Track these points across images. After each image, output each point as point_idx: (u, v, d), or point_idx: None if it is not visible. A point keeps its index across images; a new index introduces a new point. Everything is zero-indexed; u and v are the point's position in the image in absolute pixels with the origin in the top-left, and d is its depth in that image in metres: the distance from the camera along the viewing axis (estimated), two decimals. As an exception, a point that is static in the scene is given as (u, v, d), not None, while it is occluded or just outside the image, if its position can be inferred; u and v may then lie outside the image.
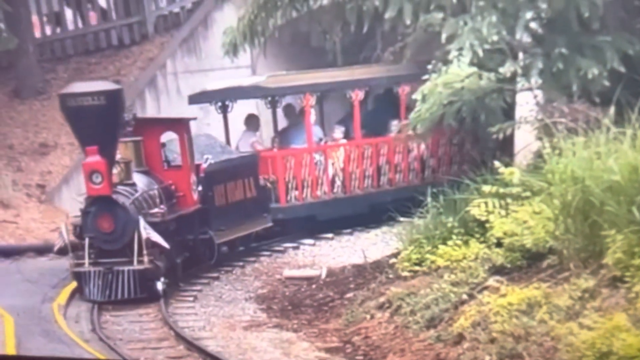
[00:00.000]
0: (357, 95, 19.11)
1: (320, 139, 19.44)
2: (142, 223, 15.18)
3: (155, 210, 15.61)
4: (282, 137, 19.62)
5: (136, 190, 15.71)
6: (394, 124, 19.68)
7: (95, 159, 15.16)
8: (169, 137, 17.16)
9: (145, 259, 15.11)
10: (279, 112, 20.08)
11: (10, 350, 12.53)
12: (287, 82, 19.07)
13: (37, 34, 23.99)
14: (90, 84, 16.36)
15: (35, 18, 24.18)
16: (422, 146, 19.88)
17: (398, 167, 19.75)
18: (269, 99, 19.48)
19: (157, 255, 15.23)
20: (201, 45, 23.37)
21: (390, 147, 19.60)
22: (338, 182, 19.12)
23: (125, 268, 15.20)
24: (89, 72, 23.44)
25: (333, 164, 19.17)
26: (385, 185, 19.60)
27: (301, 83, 18.91)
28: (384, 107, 20.25)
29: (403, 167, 19.81)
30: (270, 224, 18.01)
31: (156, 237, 15.17)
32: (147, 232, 15.11)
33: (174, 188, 16.36)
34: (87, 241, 15.37)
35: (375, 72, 19.70)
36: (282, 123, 20.24)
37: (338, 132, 19.59)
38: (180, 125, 16.73)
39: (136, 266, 15.14)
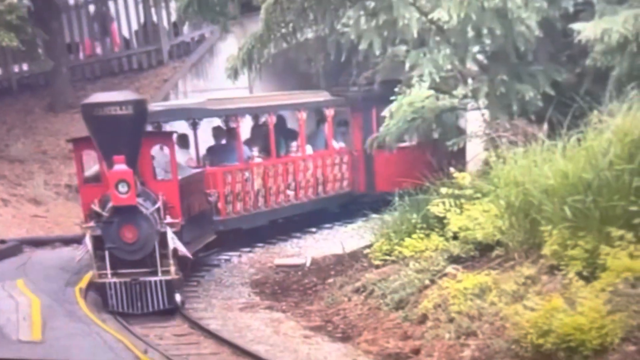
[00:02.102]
0: (272, 119, 18.06)
1: (249, 157, 17.83)
2: (169, 233, 13.27)
3: (172, 220, 13.59)
4: (211, 156, 17.62)
5: (148, 202, 13.62)
6: (293, 145, 18.71)
7: (122, 168, 13.21)
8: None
9: (172, 269, 13.27)
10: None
11: (37, 328, 12.11)
12: (220, 105, 17.58)
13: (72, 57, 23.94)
14: (115, 94, 14.25)
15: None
16: (315, 164, 18.88)
17: (301, 183, 18.58)
18: (191, 120, 17.52)
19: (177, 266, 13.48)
20: (207, 70, 23.23)
21: (296, 165, 18.45)
22: (260, 197, 17.65)
23: (152, 279, 13.23)
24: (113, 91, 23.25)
25: (256, 179, 17.68)
26: (292, 200, 18.36)
27: (227, 107, 17.51)
28: (277, 130, 18.57)
29: (304, 184, 18.65)
30: (215, 236, 16.17)
31: (182, 248, 13.44)
32: (174, 242, 13.33)
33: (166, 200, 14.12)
34: (107, 252, 13.28)
35: (287, 99, 18.72)
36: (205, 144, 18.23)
37: (255, 151, 17.96)
38: (170, 138, 14.91)
39: (163, 277, 13.25)
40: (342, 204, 19.32)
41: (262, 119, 18.55)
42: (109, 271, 13.31)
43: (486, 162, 13.57)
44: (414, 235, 13.54)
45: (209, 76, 22.96)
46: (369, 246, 14.64)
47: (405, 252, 13.43)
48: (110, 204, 13.51)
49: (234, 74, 17.97)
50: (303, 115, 18.63)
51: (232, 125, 17.67)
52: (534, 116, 13.47)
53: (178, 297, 13.50)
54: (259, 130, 18.60)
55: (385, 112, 15.19)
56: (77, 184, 16.58)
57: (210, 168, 17.02)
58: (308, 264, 16.12)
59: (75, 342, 11.62)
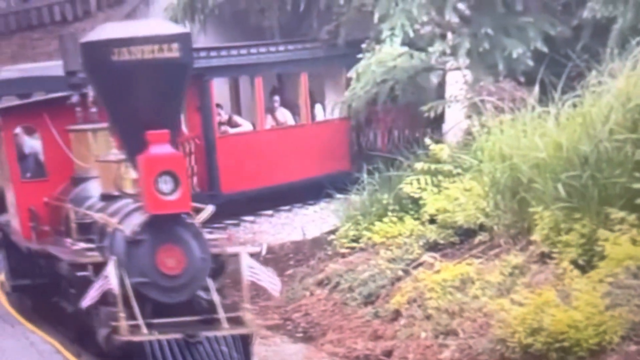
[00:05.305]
0: None
1: None
2: (245, 258, 9.78)
3: (218, 235, 10.56)
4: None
5: None
6: None
7: (166, 151, 9.45)
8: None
9: (247, 316, 9.60)
10: None
11: None
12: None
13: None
14: (143, 24, 10.36)
15: None
16: None
17: None
18: None
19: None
20: (143, 22, 23.02)
21: None
22: None
23: (219, 334, 9.35)
24: (32, 48, 23.11)
25: None
26: None
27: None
28: None
29: None
30: None
31: (266, 282, 9.90)
32: (252, 272, 9.79)
33: None
34: (130, 291, 9.42)
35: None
36: None
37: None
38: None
39: (234, 329, 9.45)
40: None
41: None
42: (141, 322, 9.33)
43: (468, 132, 13.71)
44: (385, 219, 13.63)
45: (145, 30, 22.82)
46: (334, 231, 14.72)
47: (375, 238, 13.52)
48: (131, 211, 10.14)
49: (174, 27, 18.00)
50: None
51: None
52: (523, 77, 13.67)
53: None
54: None
55: (352, 73, 15.28)
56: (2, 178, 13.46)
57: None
58: (263, 253, 16.06)
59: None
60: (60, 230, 11.90)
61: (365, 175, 14.66)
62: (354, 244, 13.91)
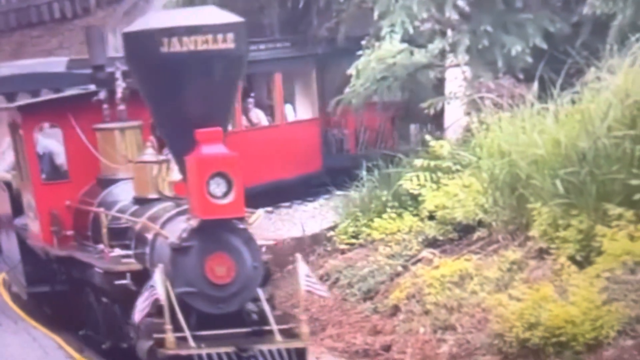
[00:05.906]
0: None
1: None
2: (302, 267, 9.24)
3: (266, 241, 9.88)
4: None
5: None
6: None
7: (219, 151, 8.67)
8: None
9: (304, 329, 8.99)
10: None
11: None
12: None
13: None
14: (193, 12, 9.19)
15: None
16: None
17: None
18: None
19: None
20: (142, 19, 23.00)
21: None
22: None
23: (274, 347, 8.67)
24: (32, 45, 23.22)
25: None
26: None
27: None
28: None
29: None
30: None
31: (322, 291, 9.66)
32: (309, 281, 9.28)
33: None
34: (174, 300, 8.72)
35: None
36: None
37: None
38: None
39: (288, 343, 8.78)
40: None
41: None
42: (188, 334, 8.69)
43: (467, 129, 13.79)
44: (385, 215, 13.73)
45: (145, 27, 22.79)
46: (333, 228, 14.82)
47: (374, 234, 13.64)
48: (174, 215, 9.59)
49: (173, 23, 18.02)
50: None
51: None
52: (522, 74, 13.72)
53: None
54: None
55: (352, 70, 15.35)
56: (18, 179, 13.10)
57: None
58: (263, 250, 16.20)
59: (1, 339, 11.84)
60: (86, 235, 11.52)
61: (365, 172, 14.74)
62: (353, 240, 14.02)
